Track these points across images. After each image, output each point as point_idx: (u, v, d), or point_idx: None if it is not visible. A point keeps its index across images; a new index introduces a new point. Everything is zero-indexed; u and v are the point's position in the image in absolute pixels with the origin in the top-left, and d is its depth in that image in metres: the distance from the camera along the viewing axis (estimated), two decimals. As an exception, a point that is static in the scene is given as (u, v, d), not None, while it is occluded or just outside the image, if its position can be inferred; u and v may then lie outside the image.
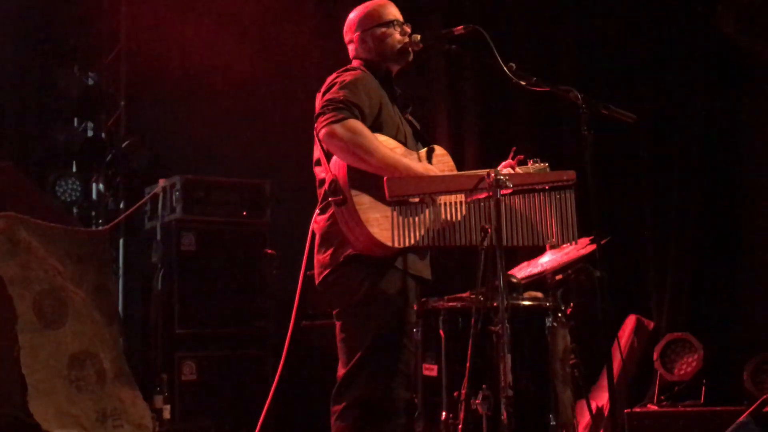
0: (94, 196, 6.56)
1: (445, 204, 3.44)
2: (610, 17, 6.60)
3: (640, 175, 6.57)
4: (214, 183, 6.24)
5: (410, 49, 3.78)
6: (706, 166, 6.42)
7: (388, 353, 3.53)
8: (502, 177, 3.35)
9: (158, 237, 6.23)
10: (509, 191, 3.41)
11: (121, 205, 6.49)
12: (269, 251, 6.12)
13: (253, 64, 6.50)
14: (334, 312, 3.68)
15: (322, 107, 3.45)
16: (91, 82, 6.61)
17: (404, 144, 3.66)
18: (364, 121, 3.46)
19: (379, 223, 3.40)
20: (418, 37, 3.79)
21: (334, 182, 3.44)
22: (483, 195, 3.42)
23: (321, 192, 3.64)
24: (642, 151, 6.56)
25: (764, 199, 6.26)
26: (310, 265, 3.73)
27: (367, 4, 3.85)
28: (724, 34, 6.21)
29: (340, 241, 3.51)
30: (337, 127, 3.37)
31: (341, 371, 3.57)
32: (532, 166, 3.89)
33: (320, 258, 3.64)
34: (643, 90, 6.55)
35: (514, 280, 3.85)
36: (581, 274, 3.96)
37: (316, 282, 3.67)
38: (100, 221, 6.40)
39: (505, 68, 3.61)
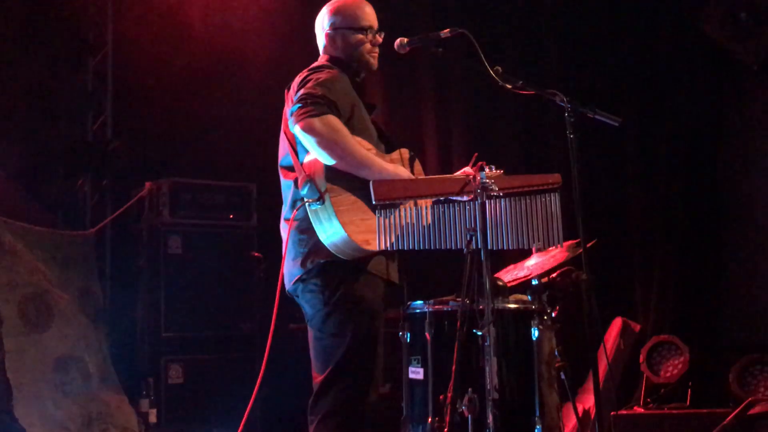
0: (80, 198, 6.53)
1: (430, 207, 3.42)
2: (595, 19, 6.61)
3: (625, 178, 6.58)
4: (200, 186, 6.22)
5: (373, 62, 3.73)
6: (691, 169, 6.45)
7: (365, 359, 3.50)
8: (488, 181, 3.35)
9: (145, 240, 6.21)
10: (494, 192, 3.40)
11: (108, 208, 6.46)
12: (256, 254, 6.11)
13: (240, 66, 6.49)
14: (306, 320, 3.62)
15: (300, 100, 3.37)
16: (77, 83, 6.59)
17: (375, 145, 3.63)
18: (340, 119, 3.41)
19: (356, 224, 3.37)
20: (405, 40, 3.78)
21: (309, 182, 3.38)
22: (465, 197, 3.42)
23: (289, 194, 3.59)
24: (628, 153, 6.58)
25: (749, 200, 6.29)
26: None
27: (345, 1, 3.76)
28: (710, 37, 6.24)
29: (311, 246, 3.46)
30: (316, 122, 3.31)
31: (317, 378, 3.51)
32: (489, 173, 3.87)
33: (288, 264, 3.57)
34: (628, 92, 6.57)
35: (500, 283, 3.86)
36: (567, 277, 3.96)
37: (287, 288, 3.60)
38: (87, 224, 6.36)
39: (491, 71, 3.61)
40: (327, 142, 3.33)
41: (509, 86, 3.66)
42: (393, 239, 3.32)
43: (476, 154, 3.82)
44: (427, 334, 3.62)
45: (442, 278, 5.30)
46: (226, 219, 6.22)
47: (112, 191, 6.53)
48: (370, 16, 3.73)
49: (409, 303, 3.78)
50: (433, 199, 3.45)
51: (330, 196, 3.35)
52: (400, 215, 3.35)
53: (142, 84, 6.51)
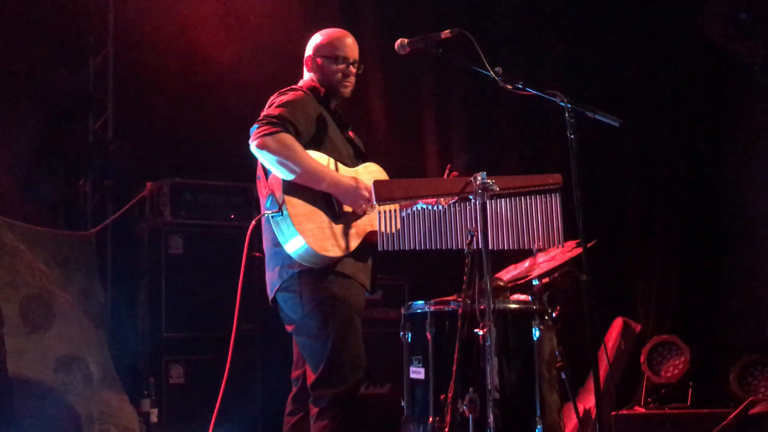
0: (81, 199, 6.52)
1: (430, 208, 3.47)
2: (595, 20, 6.62)
3: (625, 178, 6.59)
4: (201, 186, 6.22)
5: (343, 90, 3.88)
6: (691, 169, 6.45)
7: (351, 352, 3.62)
8: (488, 181, 3.37)
9: (146, 240, 6.21)
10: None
11: (109, 209, 6.46)
12: (257, 254, 6.10)
13: (242, 67, 6.49)
14: (290, 328, 3.77)
15: (258, 121, 3.59)
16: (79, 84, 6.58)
17: (343, 161, 3.76)
18: (298, 138, 3.58)
19: (314, 233, 3.53)
20: (406, 40, 3.82)
21: (270, 196, 3.59)
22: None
23: (262, 206, 3.76)
24: (628, 154, 6.59)
25: (749, 200, 6.30)
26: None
27: (330, 31, 3.95)
28: (710, 37, 6.25)
29: (285, 257, 3.61)
30: (269, 140, 3.51)
31: (311, 377, 3.66)
32: None
33: (269, 275, 3.76)
34: (629, 93, 6.58)
35: (501, 283, 3.87)
36: (568, 278, 3.96)
37: (269, 300, 3.79)
38: (88, 224, 6.36)
39: (491, 72, 3.62)
40: (279, 159, 3.53)
41: (509, 87, 3.67)
42: (394, 240, 3.39)
43: (449, 165, 3.89)
44: (428, 334, 3.64)
45: (443, 278, 5.31)
46: (227, 219, 6.22)
47: (113, 191, 6.53)
48: (348, 48, 3.89)
49: (410, 303, 3.80)
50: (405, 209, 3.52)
51: (287, 207, 3.52)
52: (399, 216, 3.41)
53: (143, 84, 6.51)
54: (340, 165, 3.74)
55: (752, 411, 5.08)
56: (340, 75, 3.86)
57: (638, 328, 6.16)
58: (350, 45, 3.90)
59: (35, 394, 5.15)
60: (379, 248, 3.44)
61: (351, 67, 3.88)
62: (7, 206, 5.61)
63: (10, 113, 6.15)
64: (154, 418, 5.68)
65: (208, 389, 5.87)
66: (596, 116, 3.61)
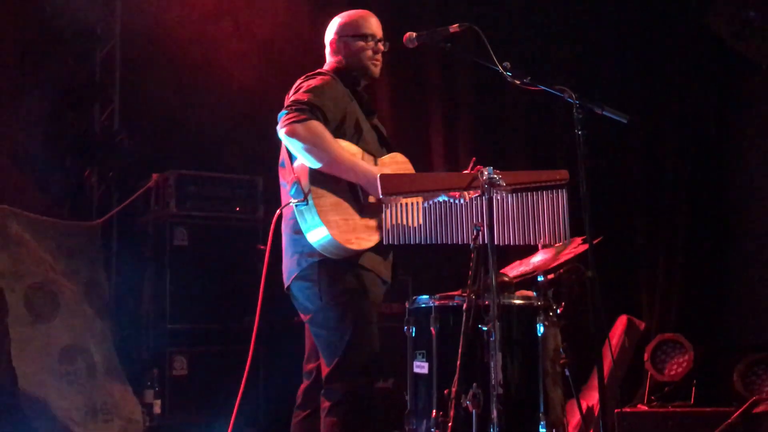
0: (87, 189, 6.53)
1: (438, 203, 3.46)
2: (603, 18, 6.61)
3: (632, 175, 6.58)
4: (207, 178, 6.22)
5: (374, 68, 3.84)
6: (697, 167, 6.44)
7: (367, 347, 3.59)
8: (495, 176, 3.36)
9: (151, 231, 6.22)
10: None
11: (114, 200, 6.47)
12: (261, 247, 6.11)
13: (249, 59, 6.49)
14: (305, 317, 3.71)
15: (287, 107, 3.53)
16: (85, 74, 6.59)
17: (368, 149, 3.72)
18: (326, 125, 3.53)
19: (338, 225, 3.47)
20: (414, 34, 3.80)
21: (296, 184, 3.51)
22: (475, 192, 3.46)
23: (284, 194, 3.70)
24: (634, 151, 6.58)
25: (754, 200, 6.29)
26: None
27: (351, 12, 3.91)
28: (717, 36, 6.23)
29: (305, 245, 3.56)
30: (299, 127, 3.45)
31: (325, 370, 3.61)
32: None
33: (286, 262, 3.71)
34: (635, 90, 6.57)
35: (506, 279, 3.86)
36: (573, 274, 3.96)
37: (285, 287, 3.74)
38: (93, 215, 6.37)
39: (499, 67, 3.61)
40: (309, 147, 3.46)
41: (518, 82, 3.66)
42: (399, 233, 3.37)
43: (474, 158, 3.86)
44: (432, 329, 3.63)
45: (448, 273, 5.30)
46: (232, 211, 6.22)
47: (118, 183, 6.53)
48: (373, 25, 3.85)
49: (414, 297, 3.79)
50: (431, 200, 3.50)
51: (312, 197, 3.47)
52: (406, 210, 3.40)
53: (149, 76, 6.51)
54: (367, 155, 3.69)
55: (756, 410, 5.07)
56: (369, 52, 3.80)
57: (642, 325, 6.15)
58: (375, 23, 3.85)
59: (39, 383, 5.16)
60: (384, 242, 3.41)
61: (379, 44, 3.83)
62: (13, 196, 5.62)
63: (16, 104, 6.16)
64: (157, 409, 5.69)
65: (212, 381, 5.91)
66: (605, 112, 3.60)
